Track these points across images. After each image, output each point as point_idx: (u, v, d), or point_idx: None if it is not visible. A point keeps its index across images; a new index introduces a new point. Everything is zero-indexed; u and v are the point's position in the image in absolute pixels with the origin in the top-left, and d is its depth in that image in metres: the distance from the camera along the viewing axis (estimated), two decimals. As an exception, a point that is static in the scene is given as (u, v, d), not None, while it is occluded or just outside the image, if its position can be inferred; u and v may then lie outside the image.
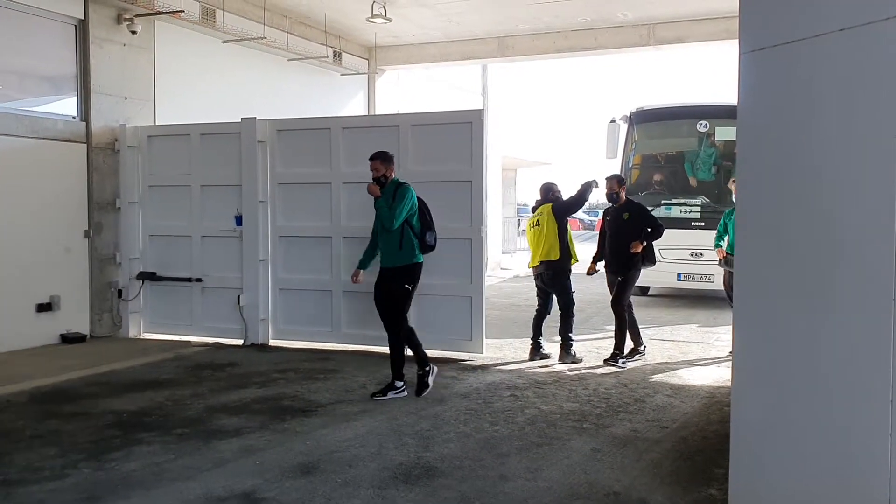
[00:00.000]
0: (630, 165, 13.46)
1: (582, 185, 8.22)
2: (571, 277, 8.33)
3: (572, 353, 8.17)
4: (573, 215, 9.16)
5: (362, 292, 8.72)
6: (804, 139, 3.46)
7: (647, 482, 4.64)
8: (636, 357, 8.26)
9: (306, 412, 6.15)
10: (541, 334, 8.37)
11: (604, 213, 8.56)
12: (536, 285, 8.48)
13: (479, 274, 8.30)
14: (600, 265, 8.50)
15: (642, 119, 13.51)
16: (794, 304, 3.49)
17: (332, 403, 6.43)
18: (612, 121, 13.45)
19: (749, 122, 3.76)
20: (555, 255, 8.13)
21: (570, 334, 8.22)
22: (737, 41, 3.76)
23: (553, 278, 8.22)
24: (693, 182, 12.97)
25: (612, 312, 8.28)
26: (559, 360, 8.13)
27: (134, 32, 9.77)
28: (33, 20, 8.90)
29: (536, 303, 8.52)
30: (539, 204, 8.45)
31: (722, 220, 8.97)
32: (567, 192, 8.63)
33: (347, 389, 6.91)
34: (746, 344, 3.79)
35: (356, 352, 8.60)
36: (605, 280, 8.40)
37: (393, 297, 6.70)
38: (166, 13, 9.98)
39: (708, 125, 12.81)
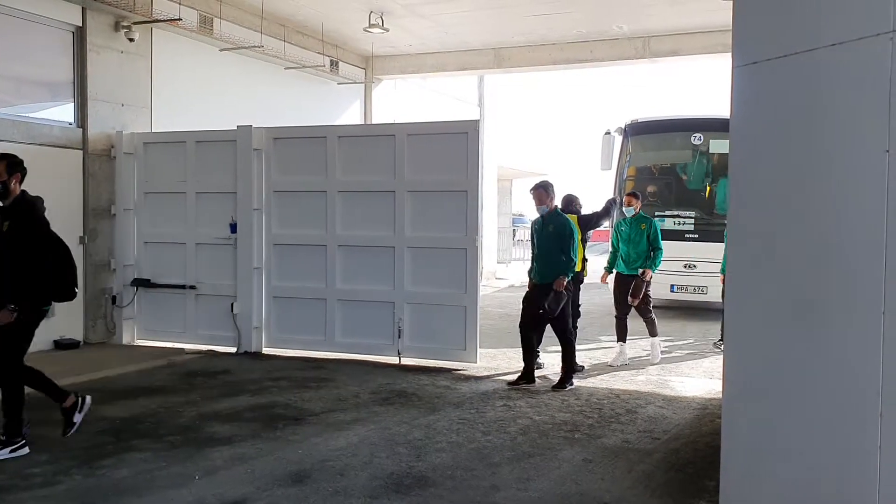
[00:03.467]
0: (625, 177, 13.50)
1: (607, 202, 8.69)
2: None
3: (576, 364, 8.16)
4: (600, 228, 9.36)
5: (355, 301, 8.77)
6: (796, 153, 3.48)
7: (638, 494, 4.64)
8: None
9: (299, 421, 6.14)
10: (539, 343, 8.37)
11: None
12: None
13: (474, 283, 8.32)
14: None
15: (637, 131, 13.55)
16: (786, 317, 3.51)
17: (325, 412, 6.42)
18: (607, 132, 13.50)
19: (742, 136, 3.78)
20: (577, 267, 8.14)
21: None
22: (731, 55, 3.79)
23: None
24: None
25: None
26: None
27: (131, 40, 9.79)
28: (31, 27, 8.91)
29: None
30: None
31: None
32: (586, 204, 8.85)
33: (340, 398, 6.90)
34: (738, 356, 3.80)
35: (349, 361, 8.59)
36: None
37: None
38: (164, 21, 10.00)
39: (702, 138, 12.86)
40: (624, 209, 8.79)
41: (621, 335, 8.75)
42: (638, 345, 9.25)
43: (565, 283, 7.35)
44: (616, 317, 8.85)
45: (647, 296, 8.69)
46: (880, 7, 3.09)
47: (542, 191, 7.61)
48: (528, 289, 7.86)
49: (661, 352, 8.99)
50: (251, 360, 8.69)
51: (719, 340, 9.39)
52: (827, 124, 3.35)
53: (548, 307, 7.36)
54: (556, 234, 7.45)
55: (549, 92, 25.58)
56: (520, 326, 7.72)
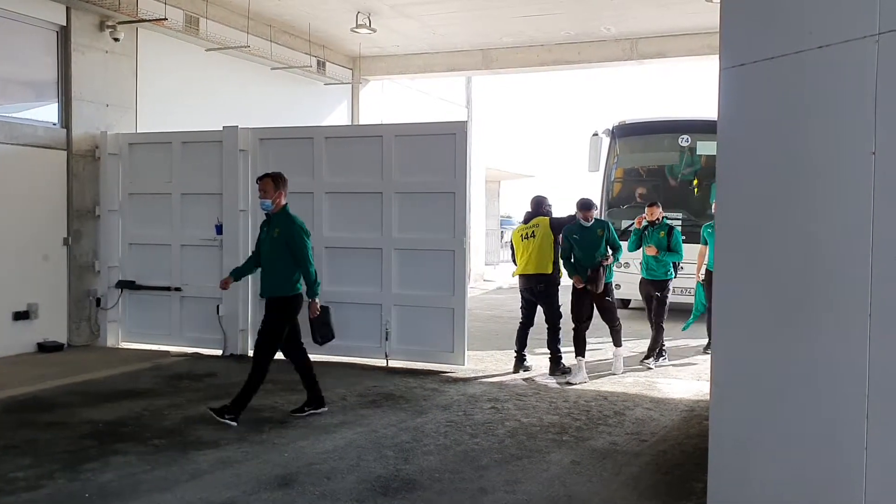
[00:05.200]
0: (612, 179, 13.52)
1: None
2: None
3: (562, 366, 8.17)
4: None
5: (342, 303, 8.72)
6: (783, 155, 3.49)
7: (625, 496, 4.64)
8: None
9: (285, 424, 6.11)
10: (525, 346, 8.37)
11: None
12: (523, 297, 8.47)
13: (462, 285, 8.30)
14: None
15: (624, 133, 13.59)
16: (773, 318, 3.51)
17: (311, 415, 6.37)
18: (595, 134, 13.53)
19: (729, 137, 3.78)
20: (549, 269, 8.16)
21: (558, 347, 8.22)
22: (718, 57, 3.79)
23: (545, 291, 8.23)
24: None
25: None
26: (549, 374, 8.11)
27: (116, 40, 9.72)
28: (14, 26, 8.83)
29: (520, 315, 8.52)
30: (532, 216, 8.40)
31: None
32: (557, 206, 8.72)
33: (327, 401, 6.84)
34: (725, 358, 3.81)
35: (336, 363, 8.53)
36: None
37: None
38: (149, 21, 9.93)
39: (689, 139, 12.90)
40: (582, 223, 8.01)
41: (580, 349, 8.06)
42: (626, 347, 9.23)
43: (318, 305, 6.38)
44: (573, 328, 8.15)
45: (611, 304, 8.25)
46: (866, 10, 3.09)
47: (268, 180, 6.25)
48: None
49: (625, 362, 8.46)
50: (237, 363, 8.61)
51: (707, 346, 9.36)
52: (813, 126, 3.36)
53: (320, 338, 6.53)
54: (281, 241, 6.12)
55: (537, 93, 25.61)
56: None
